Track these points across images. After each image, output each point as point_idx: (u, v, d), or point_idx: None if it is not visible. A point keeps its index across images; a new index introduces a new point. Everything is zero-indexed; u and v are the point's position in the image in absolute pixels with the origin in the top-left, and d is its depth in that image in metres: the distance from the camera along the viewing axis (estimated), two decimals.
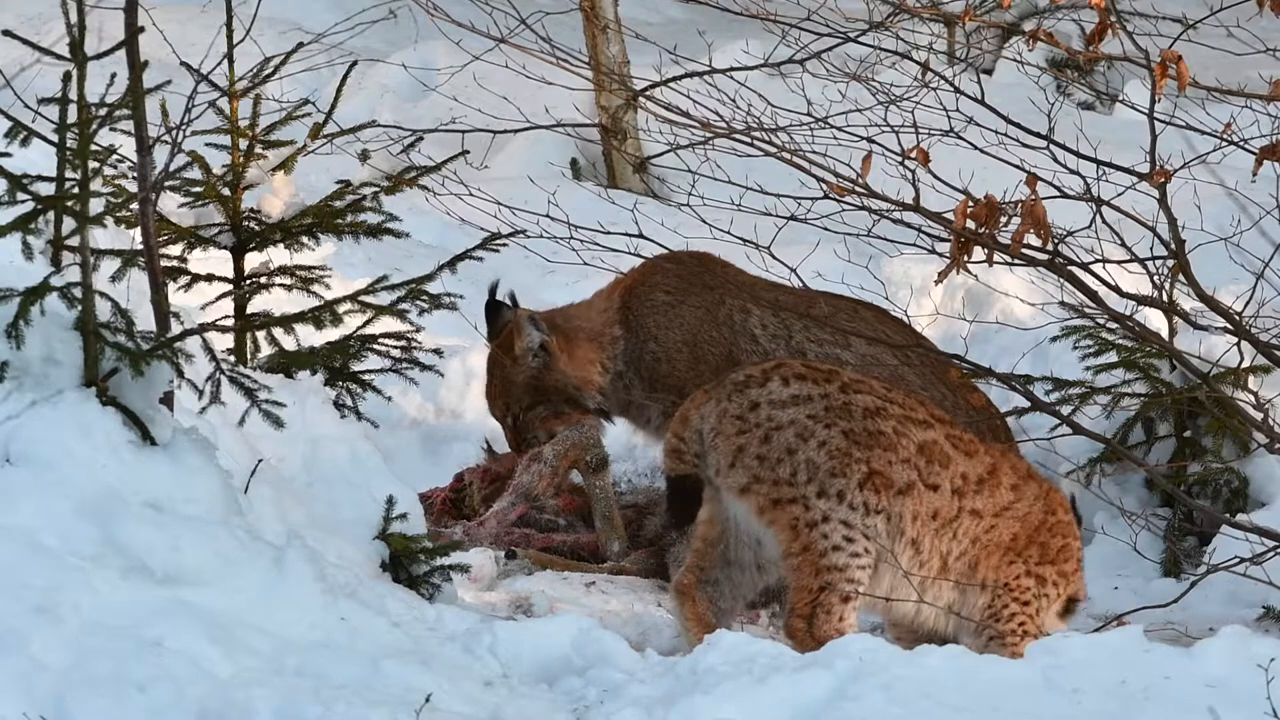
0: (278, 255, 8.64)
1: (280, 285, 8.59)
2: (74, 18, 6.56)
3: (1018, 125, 7.71)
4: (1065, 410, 8.65)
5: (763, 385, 7.45)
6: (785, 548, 7.33)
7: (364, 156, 8.68)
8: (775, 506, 7.33)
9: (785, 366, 7.54)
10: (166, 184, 8.04)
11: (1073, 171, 7.72)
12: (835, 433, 7.35)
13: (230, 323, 8.24)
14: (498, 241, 8.47)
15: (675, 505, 7.56)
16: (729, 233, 7.94)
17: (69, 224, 6.72)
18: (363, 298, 8.49)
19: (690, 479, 7.45)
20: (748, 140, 7.92)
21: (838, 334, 8.71)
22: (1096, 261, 7.74)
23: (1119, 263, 7.72)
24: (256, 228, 8.52)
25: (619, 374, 8.86)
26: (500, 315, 9.01)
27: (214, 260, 8.56)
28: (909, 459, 7.39)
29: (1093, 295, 7.75)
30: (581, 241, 8.14)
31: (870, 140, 7.79)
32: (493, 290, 8.92)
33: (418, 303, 8.45)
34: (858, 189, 7.73)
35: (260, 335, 8.47)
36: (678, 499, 7.52)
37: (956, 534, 7.43)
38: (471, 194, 8.26)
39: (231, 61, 8.30)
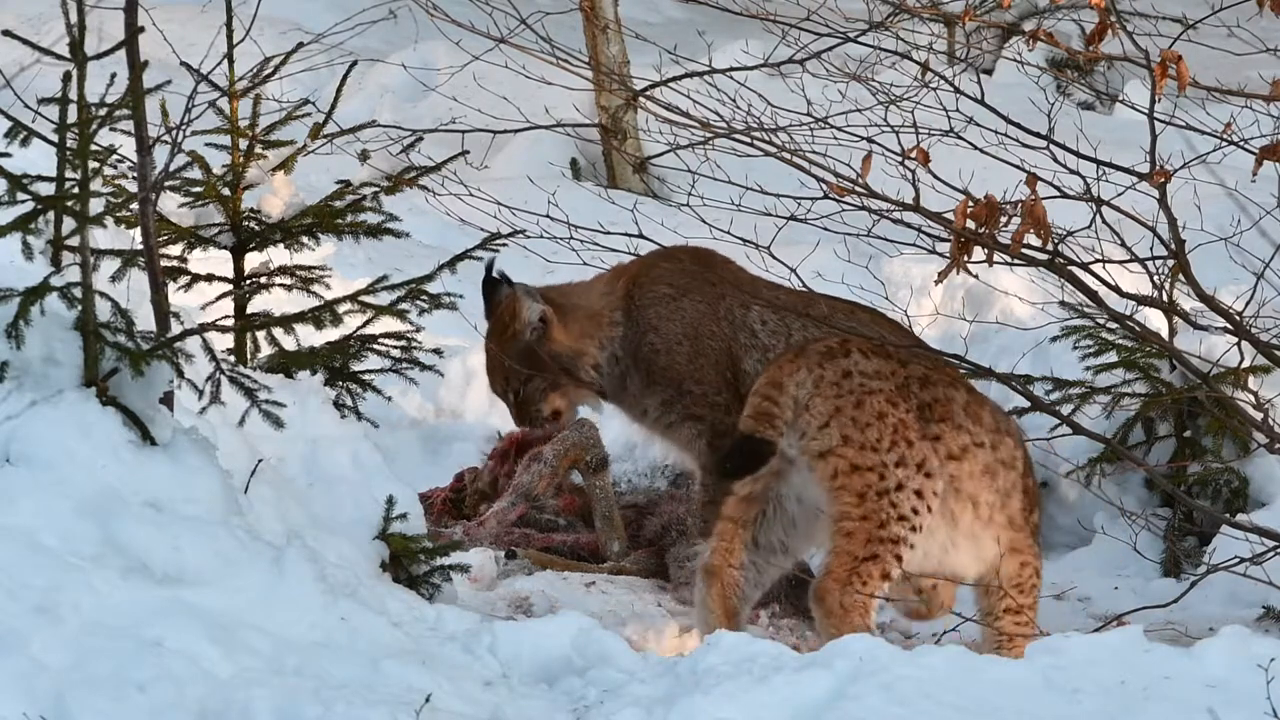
0: (278, 255, 8.63)
1: (280, 285, 8.59)
2: (74, 18, 6.56)
3: (1018, 125, 7.71)
4: (1065, 410, 8.65)
5: (846, 356, 7.56)
6: (845, 512, 7.32)
7: (364, 156, 8.68)
8: (853, 471, 7.36)
9: (855, 341, 7.67)
10: (166, 184, 8.04)
11: (1073, 171, 7.71)
12: (911, 405, 7.41)
13: (230, 323, 8.24)
14: (498, 241, 8.47)
15: (740, 461, 7.52)
16: (729, 233, 7.94)
17: (69, 224, 6.72)
18: (363, 298, 8.49)
19: (766, 443, 7.43)
20: (748, 140, 7.92)
21: (836, 333, 8.71)
22: (1096, 261, 7.73)
23: (1119, 263, 7.72)
24: (256, 228, 8.52)
25: (615, 358, 8.84)
26: (497, 291, 8.98)
27: (214, 260, 8.56)
28: (962, 423, 7.45)
29: (1093, 295, 7.75)
30: (581, 241, 8.13)
31: (870, 140, 7.79)
32: (489, 266, 8.89)
33: (418, 303, 8.45)
34: (858, 189, 7.72)
35: (260, 335, 8.47)
36: (749, 458, 7.47)
37: (998, 485, 7.50)
38: (471, 194, 8.25)
39: (231, 61, 8.30)
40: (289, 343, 8.45)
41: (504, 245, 8.49)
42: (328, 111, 8.45)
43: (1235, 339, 7.85)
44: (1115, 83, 15.13)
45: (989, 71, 14.84)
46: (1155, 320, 8.94)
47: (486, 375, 8.93)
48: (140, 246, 6.90)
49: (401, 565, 7.39)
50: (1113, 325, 8.49)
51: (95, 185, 6.72)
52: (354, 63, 8.97)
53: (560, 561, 8.65)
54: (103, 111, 6.74)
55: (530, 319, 8.71)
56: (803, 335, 8.73)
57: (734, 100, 8.01)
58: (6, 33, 6.72)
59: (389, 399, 8.61)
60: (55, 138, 6.68)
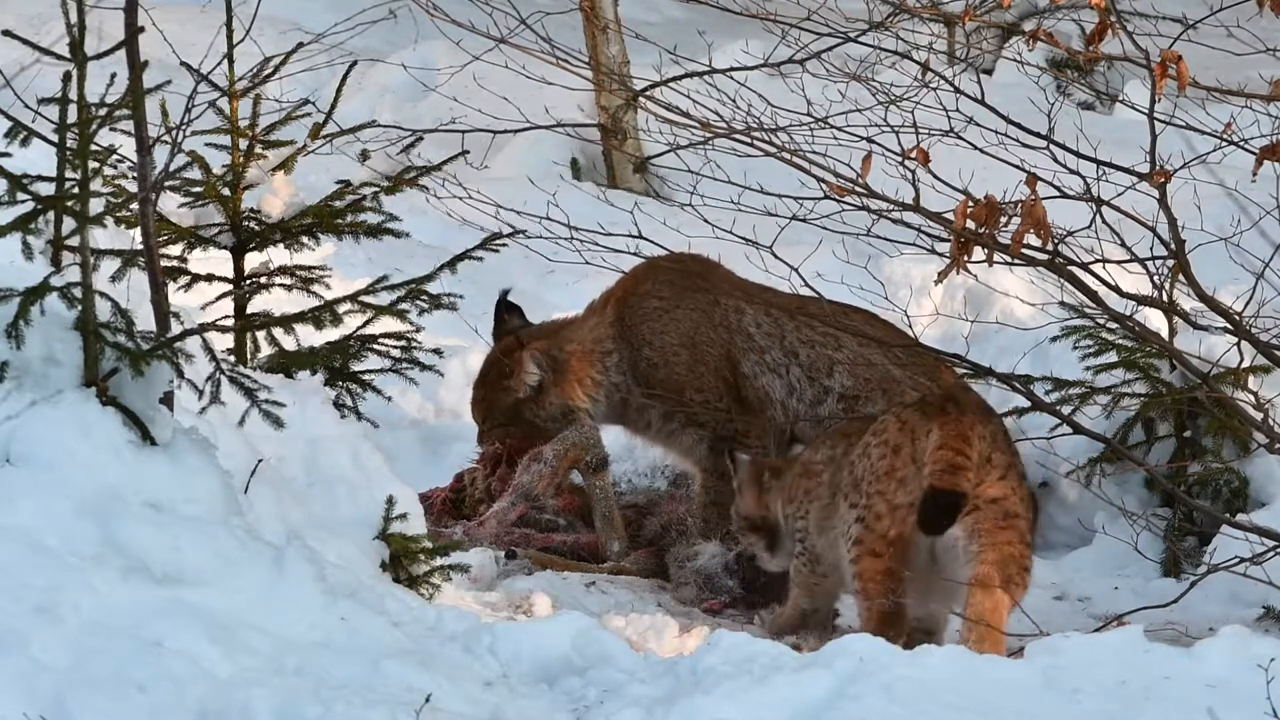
0: (278, 255, 8.63)
1: (280, 285, 8.59)
2: (74, 18, 6.56)
3: (1018, 125, 7.71)
4: (1065, 410, 8.64)
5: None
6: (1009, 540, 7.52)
7: (364, 156, 8.68)
8: (1017, 515, 7.60)
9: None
10: (166, 184, 8.04)
11: (1073, 171, 7.71)
12: None
13: (230, 323, 8.24)
14: (498, 241, 8.47)
15: (937, 516, 7.48)
16: (730, 232, 7.94)
17: (69, 224, 6.72)
18: (363, 298, 8.49)
19: (961, 495, 7.44)
20: (748, 140, 7.92)
21: (829, 335, 8.72)
22: (1096, 261, 7.73)
23: (1119, 263, 7.72)
24: (256, 228, 8.52)
25: (614, 385, 8.89)
26: (508, 318, 9.05)
27: (214, 260, 8.56)
28: None
29: (1093, 295, 7.75)
30: (582, 241, 8.13)
31: (870, 140, 7.79)
32: (504, 295, 8.97)
33: (418, 303, 8.45)
34: (858, 189, 7.72)
35: (260, 335, 8.47)
36: (944, 511, 7.46)
37: None
38: (472, 196, 8.26)
39: (231, 61, 8.30)
40: (289, 343, 8.45)
41: (504, 245, 8.49)
42: (328, 111, 8.45)
43: (1235, 339, 7.84)
44: (1115, 83, 15.11)
45: (989, 71, 14.82)
46: (1155, 320, 8.94)
47: (472, 390, 9.02)
48: (140, 246, 6.90)
49: (401, 565, 7.39)
50: (1113, 325, 8.49)
51: (95, 185, 6.71)
52: (354, 63, 8.97)
53: (560, 561, 8.64)
54: (103, 111, 6.74)
55: (528, 381, 8.81)
56: (796, 337, 8.74)
57: (734, 100, 8.01)
58: (6, 33, 6.72)
59: (389, 399, 8.61)
60: (55, 138, 6.68)
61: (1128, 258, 7.72)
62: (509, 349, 8.91)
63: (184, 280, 8.51)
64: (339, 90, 8.60)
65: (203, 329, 7.01)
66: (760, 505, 8.19)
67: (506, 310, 9.08)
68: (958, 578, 7.42)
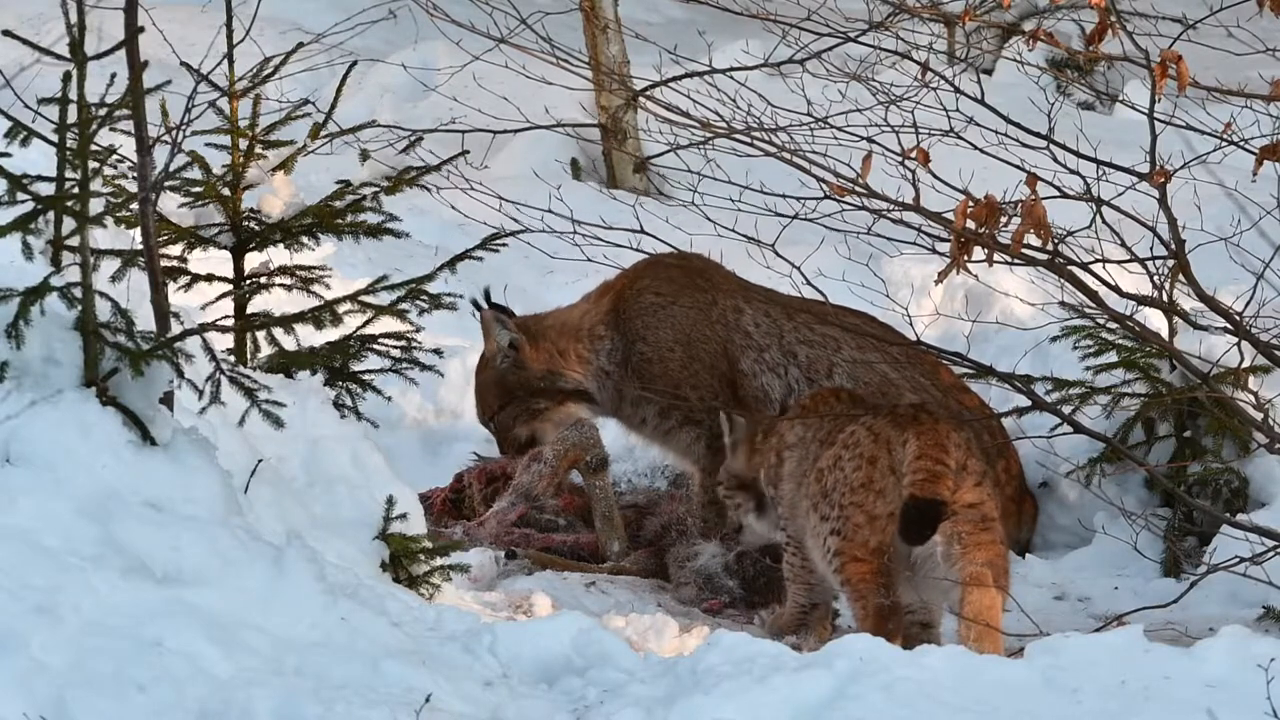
0: (278, 255, 8.63)
1: (280, 285, 8.59)
2: (74, 18, 6.56)
3: (1018, 125, 7.71)
4: (1065, 410, 8.64)
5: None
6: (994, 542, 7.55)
7: (364, 156, 8.68)
8: (996, 518, 7.64)
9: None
10: (166, 184, 8.03)
11: (1073, 171, 7.71)
12: None
13: (230, 323, 8.24)
14: (498, 241, 8.47)
15: (917, 527, 7.47)
16: (734, 229, 7.93)
17: (69, 224, 6.72)
18: (363, 298, 8.49)
19: (941, 504, 7.43)
20: (748, 140, 7.92)
21: (829, 336, 8.72)
22: (1096, 261, 7.73)
23: (1119, 263, 7.72)
24: (256, 228, 8.52)
25: (605, 372, 8.88)
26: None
27: (214, 260, 8.56)
28: None
29: (1093, 295, 7.75)
30: (585, 236, 8.12)
31: (870, 140, 7.79)
32: (487, 295, 8.97)
33: (418, 303, 8.45)
34: (858, 189, 7.72)
35: (260, 335, 8.47)
36: (925, 522, 7.45)
37: None
38: (473, 188, 8.25)
39: (231, 61, 8.30)
40: (289, 343, 8.45)
41: (504, 245, 8.49)
42: (328, 111, 8.45)
43: (1235, 339, 7.84)
44: (1115, 83, 15.09)
45: (989, 71, 14.82)
46: (1155, 320, 8.94)
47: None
48: (140, 246, 6.90)
49: (401, 565, 7.39)
50: (1113, 325, 8.49)
51: (95, 185, 6.71)
52: (354, 63, 8.97)
53: (560, 561, 8.65)
54: (103, 111, 6.74)
55: (499, 342, 8.80)
56: (795, 338, 8.74)
57: (734, 100, 8.01)
58: (6, 33, 6.72)
59: (389, 399, 8.60)
60: (55, 138, 6.68)
61: (1128, 258, 7.72)
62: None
63: (184, 280, 8.51)
64: (339, 90, 8.60)
65: (203, 329, 7.01)
66: (750, 466, 8.18)
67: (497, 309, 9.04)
68: (937, 583, 7.44)
